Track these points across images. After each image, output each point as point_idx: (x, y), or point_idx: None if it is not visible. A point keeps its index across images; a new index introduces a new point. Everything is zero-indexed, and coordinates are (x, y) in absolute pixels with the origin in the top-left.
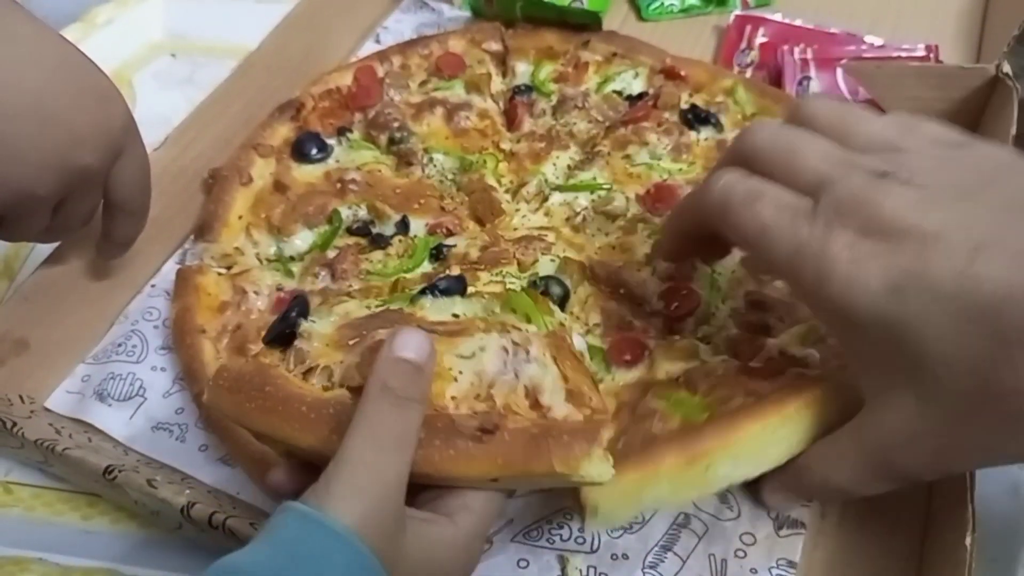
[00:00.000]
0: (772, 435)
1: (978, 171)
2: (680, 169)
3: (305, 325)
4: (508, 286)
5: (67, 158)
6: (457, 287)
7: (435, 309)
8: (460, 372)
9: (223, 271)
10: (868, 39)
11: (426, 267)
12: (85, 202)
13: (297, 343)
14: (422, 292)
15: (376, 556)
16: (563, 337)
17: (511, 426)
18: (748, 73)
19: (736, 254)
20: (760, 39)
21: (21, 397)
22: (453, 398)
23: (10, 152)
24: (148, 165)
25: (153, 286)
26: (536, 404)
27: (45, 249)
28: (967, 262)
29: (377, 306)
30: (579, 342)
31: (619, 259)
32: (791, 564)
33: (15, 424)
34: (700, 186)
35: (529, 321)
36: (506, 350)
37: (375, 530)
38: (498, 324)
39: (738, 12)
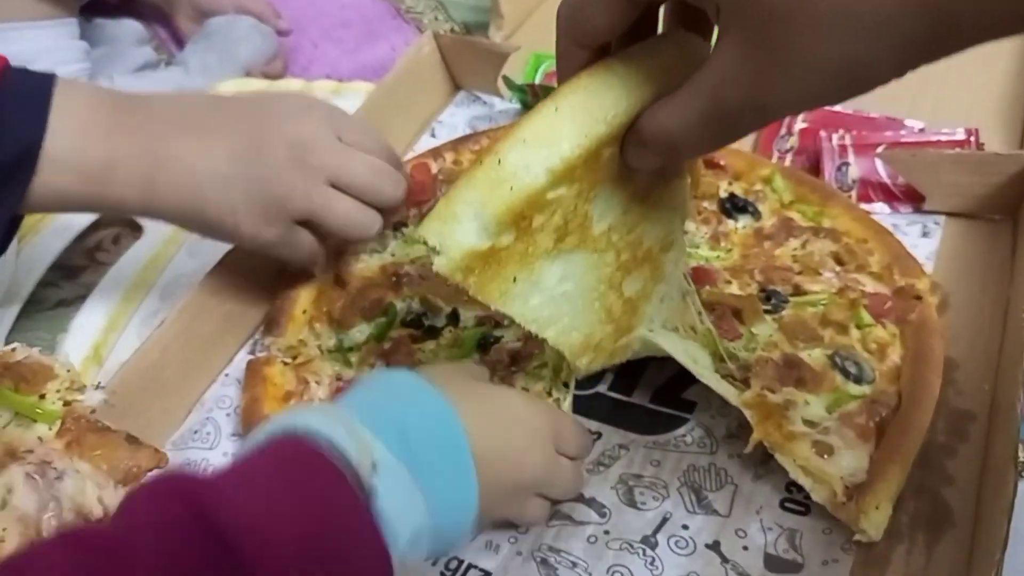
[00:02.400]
0: (556, 115)
1: None
2: (718, 256)
3: None
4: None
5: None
6: None
7: None
8: (3, 529)
9: (288, 361)
10: (908, 123)
11: (475, 357)
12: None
13: None
14: None
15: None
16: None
17: None
18: (788, 159)
19: (772, 325)
20: (799, 124)
21: None
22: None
23: None
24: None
25: (227, 375)
26: (87, 517)
27: (131, 335)
28: None
29: None
30: None
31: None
32: None
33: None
34: None
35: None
36: (33, 477)
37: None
38: (5, 452)
39: None
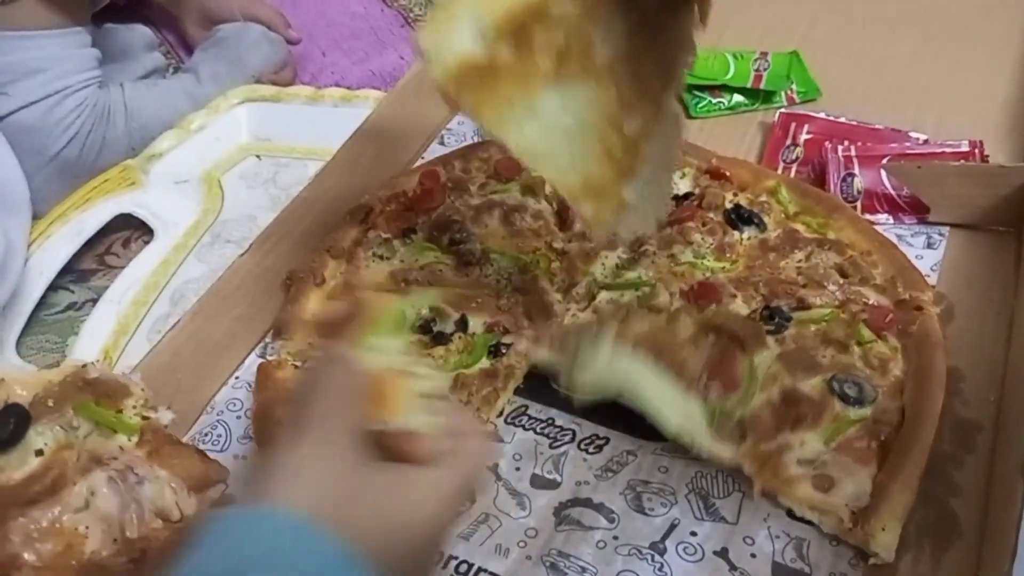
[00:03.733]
0: None
1: None
2: (723, 268)
3: None
4: None
5: None
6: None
7: None
8: (87, 527)
9: (299, 365)
10: (912, 134)
11: (484, 363)
12: None
13: None
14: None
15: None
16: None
17: (155, 544)
18: (793, 170)
19: (773, 350)
20: (805, 136)
21: None
22: (93, 552)
23: None
24: None
25: (237, 378)
26: (167, 518)
27: (141, 339)
28: None
29: None
30: None
31: (664, 342)
32: None
33: None
34: None
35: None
36: (115, 481)
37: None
38: (90, 458)
39: (783, 109)
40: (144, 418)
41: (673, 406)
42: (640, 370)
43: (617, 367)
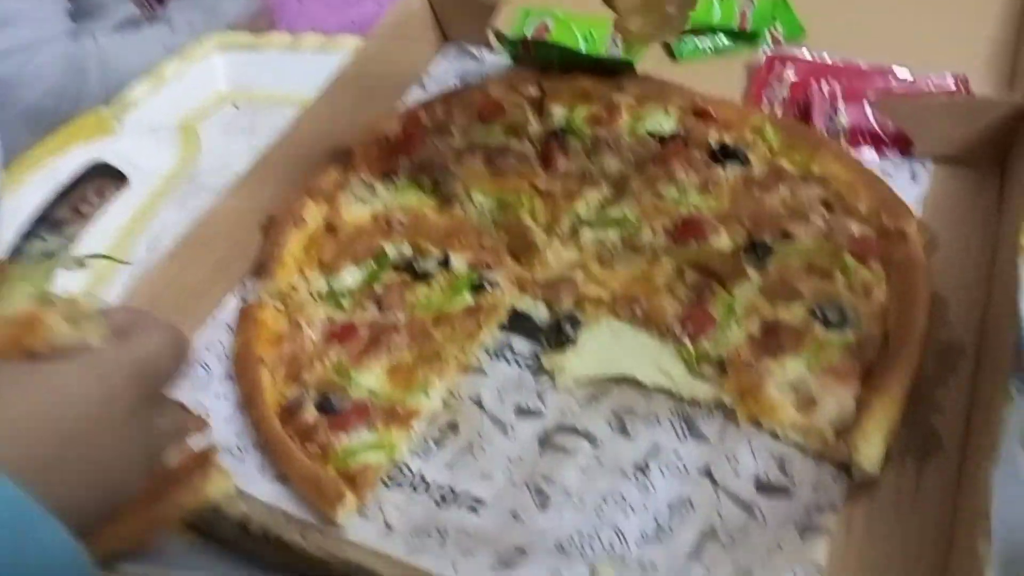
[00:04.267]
0: None
1: None
2: (707, 204)
3: None
4: None
5: None
6: None
7: None
8: None
9: (280, 307)
10: (898, 72)
11: (468, 299)
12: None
13: None
14: None
15: None
16: None
17: None
18: (779, 110)
19: (756, 283)
20: (790, 75)
21: None
22: None
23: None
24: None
25: (216, 319)
26: None
27: (118, 287)
28: None
29: None
30: None
31: (641, 292)
32: (817, 568)
33: None
34: None
35: None
36: None
37: None
38: None
39: (768, 50)
40: None
41: (648, 362)
42: (614, 337)
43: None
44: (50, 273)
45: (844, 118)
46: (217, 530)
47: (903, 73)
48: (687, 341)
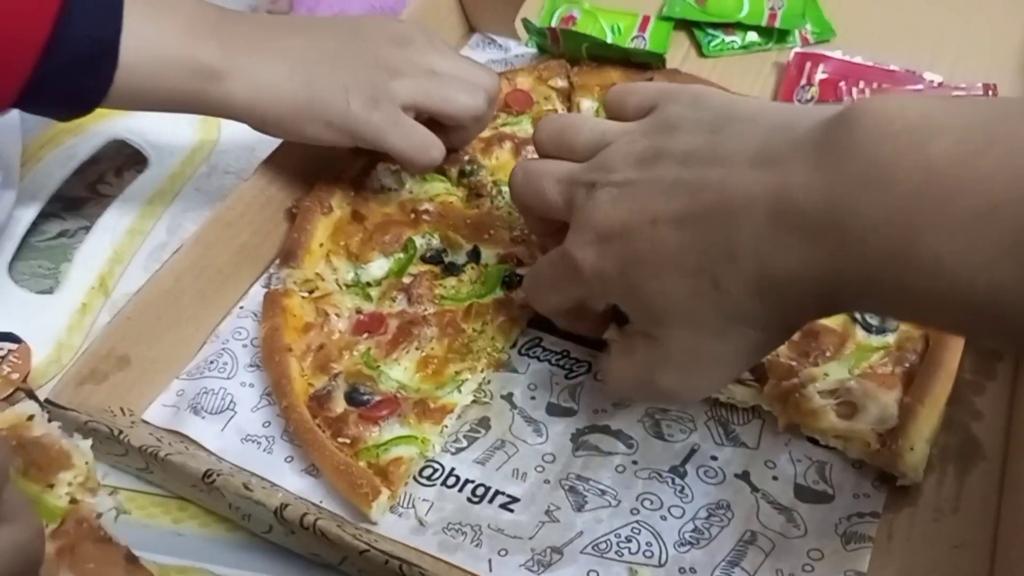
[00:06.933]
0: None
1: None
2: None
3: None
4: None
5: None
6: None
7: None
8: None
9: (306, 295)
10: (927, 76)
11: (499, 293)
12: None
13: None
14: None
15: None
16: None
17: None
18: None
19: None
20: (820, 76)
21: (122, 409)
22: None
23: None
24: None
25: (242, 307)
26: None
27: (137, 268)
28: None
29: None
30: None
31: None
32: None
33: (121, 432)
34: None
35: None
36: None
37: None
38: None
39: (798, 49)
40: (73, 501)
41: None
42: None
43: None
44: None
45: None
46: (253, 522)
47: (932, 78)
48: None
